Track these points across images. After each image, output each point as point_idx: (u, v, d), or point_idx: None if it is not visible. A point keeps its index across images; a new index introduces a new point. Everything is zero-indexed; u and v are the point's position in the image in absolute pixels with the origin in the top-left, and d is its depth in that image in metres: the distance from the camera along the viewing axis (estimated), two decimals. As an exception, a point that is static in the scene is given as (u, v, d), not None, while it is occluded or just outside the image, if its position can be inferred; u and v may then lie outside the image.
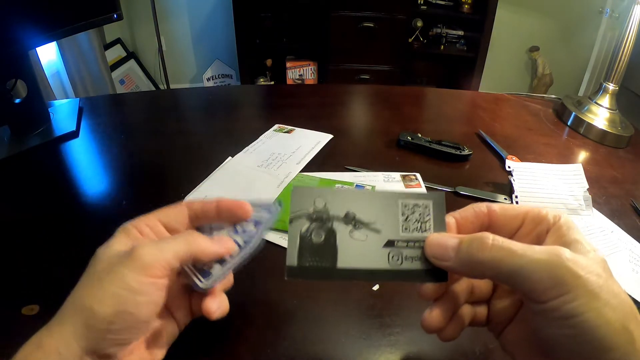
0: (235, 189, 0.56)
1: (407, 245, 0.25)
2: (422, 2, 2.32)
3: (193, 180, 0.56)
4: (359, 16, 2.20)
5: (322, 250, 0.25)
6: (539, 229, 0.25)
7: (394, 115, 0.81)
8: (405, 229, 0.26)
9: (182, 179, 0.57)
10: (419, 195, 0.26)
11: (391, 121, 0.78)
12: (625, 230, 0.51)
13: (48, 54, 1.97)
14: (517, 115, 0.83)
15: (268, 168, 0.60)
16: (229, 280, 0.32)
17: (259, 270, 0.41)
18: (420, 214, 0.26)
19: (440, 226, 0.26)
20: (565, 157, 0.68)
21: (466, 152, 0.64)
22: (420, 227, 0.26)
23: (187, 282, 0.30)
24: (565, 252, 0.21)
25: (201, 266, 0.30)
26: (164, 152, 0.67)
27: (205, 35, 2.67)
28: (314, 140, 0.67)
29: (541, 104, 0.88)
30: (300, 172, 0.59)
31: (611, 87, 0.75)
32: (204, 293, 0.29)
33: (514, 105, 0.88)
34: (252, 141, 0.67)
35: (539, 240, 0.25)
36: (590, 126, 0.75)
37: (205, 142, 0.69)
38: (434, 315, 0.26)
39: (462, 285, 0.28)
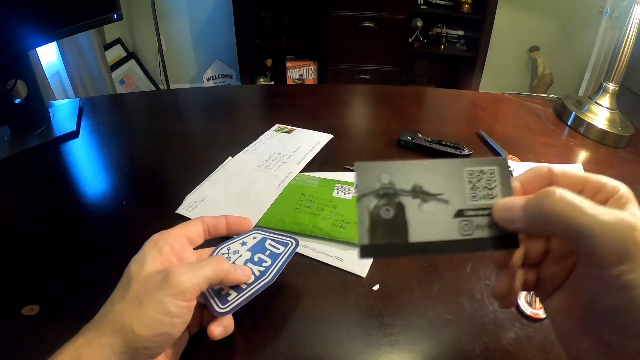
0: (235, 189, 0.56)
1: (476, 214, 0.25)
2: (422, 2, 2.32)
3: (193, 180, 0.56)
4: (359, 16, 2.20)
5: (393, 226, 0.24)
6: (598, 199, 0.24)
7: (394, 115, 0.81)
8: (473, 197, 0.25)
9: (182, 179, 0.57)
10: (483, 162, 0.26)
11: (391, 121, 0.78)
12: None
13: (48, 54, 1.97)
14: (517, 115, 0.83)
15: (268, 168, 0.60)
16: None
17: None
18: (487, 181, 0.26)
19: (507, 191, 0.25)
20: (566, 157, 0.68)
21: (466, 152, 0.64)
22: (488, 194, 0.25)
23: (202, 302, 0.33)
24: (632, 219, 0.21)
25: (219, 289, 0.33)
26: (164, 152, 0.67)
27: (205, 35, 2.67)
28: (314, 140, 0.67)
29: (541, 104, 0.88)
30: (300, 172, 0.59)
31: (611, 86, 0.75)
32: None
33: (514, 105, 0.88)
34: (252, 141, 0.67)
35: None
36: (590, 126, 0.75)
37: (206, 142, 0.69)
38: (503, 283, 0.26)
39: (518, 251, 0.27)
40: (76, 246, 0.47)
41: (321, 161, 0.62)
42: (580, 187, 0.25)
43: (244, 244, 0.37)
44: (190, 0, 2.56)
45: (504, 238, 0.25)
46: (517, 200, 0.24)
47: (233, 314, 0.33)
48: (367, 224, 0.24)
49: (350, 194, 0.53)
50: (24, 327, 0.37)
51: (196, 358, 0.34)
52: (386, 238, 0.24)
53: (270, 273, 0.35)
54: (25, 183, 0.59)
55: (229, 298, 0.33)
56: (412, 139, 0.66)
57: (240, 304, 0.33)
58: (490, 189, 0.25)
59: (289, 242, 0.38)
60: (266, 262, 0.36)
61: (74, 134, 0.69)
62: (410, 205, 0.25)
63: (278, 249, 0.37)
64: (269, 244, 0.37)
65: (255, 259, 0.36)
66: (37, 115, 0.69)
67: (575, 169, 0.26)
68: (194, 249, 0.35)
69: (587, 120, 0.75)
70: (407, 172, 0.25)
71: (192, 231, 0.35)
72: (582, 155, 0.70)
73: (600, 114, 0.75)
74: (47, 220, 0.51)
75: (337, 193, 0.54)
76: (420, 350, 0.36)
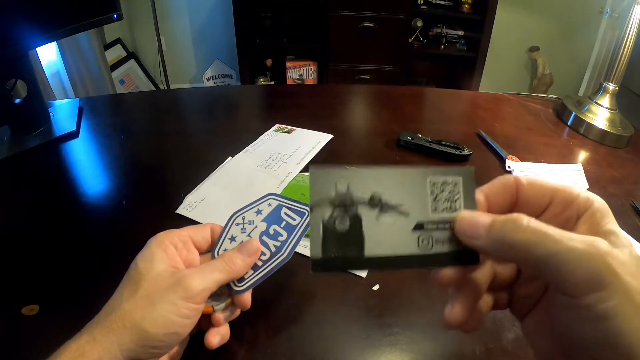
0: (235, 189, 0.56)
1: (437, 228, 0.24)
2: (422, 2, 2.32)
3: (193, 180, 0.56)
4: (359, 16, 2.19)
5: (347, 239, 0.23)
6: (569, 213, 0.23)
7: (394, 115, 0.81)
8: (435, 209, 0.24)
9: (182, 179, 0.57)
10: (447, 171, 0.24)
11: (391, 121, 0.78)
12: (625, 230, 0.51)
13: (48, 54, 1.96)
14: (517, 115, 0.83)
15: (268, 168, 0.60)
16: (238, 312, 0.35)
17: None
18: (450, 192, 0.24)
19: (471, 204, 0.24)
20: (565, 157, 0.68)
21: (466, 152, 0.64)
22: (450, 206, 0.24)
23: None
24: (604, 245, 0.19)
25: None
26: (164, 152, 0.67)
27: (205, 35, 2.67)
28: (314, 140, 0.67)
29: (541, 104, 0.88)
30: (300, 172, 0.59)
31: (611, 87, 0.75)
32: (220, 313, 0.33)
33: (514, 105, 0.88)
34: (252, 141, 0.67)
35: (567, 225, 0.23)
36: (590, 126, 0.75)
37: (206, 142, 0.69)
38: (455, 311, 0.24)
39: (483, 273, 0.25)
40: (76, 246, 0.47)
41: (321, 161, 0.62)
42: (549, 199, 0.24)
43: (259, 212, 0.36)
44: (190, 0, 2.56)
45: (463, 253, 0.23)
46: (482, 218, 0.22)
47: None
48: (320, 236, 0.23)
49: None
50: (24, 327, 0.37)
51: (196, 358, 0.34)
52: (340, 251, 0.23)
53: (286, 249, 0.34)
54: (25, 183, 0.59)
55: (246, 276, 0.33)
56: (412, 139, 0.66)
57: (257, 282, 0.33)
58: (453, 201, 0.24)
59: (305, 212, 0.36)
60: (282, 235, 0.35)
61: (74, 134, 0.69)
62: (368, 216, 0.23)
63: (294, 219, 0.35)
64: (285, 214, 0.36)
65: (271, 231, 0.35)
66: (37, 115, 0.69)
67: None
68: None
69: (587, 120, 0.75)
70: (365, 180, 0.23)
71: (198, 235, 0.34)
72: (582, 155, 0.70)
73: (600, 114, 0.75)
74: (47, 220, 0.51)
75: (337, 193, 0.54)
76: (420, 350, 0.36)
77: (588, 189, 0.54)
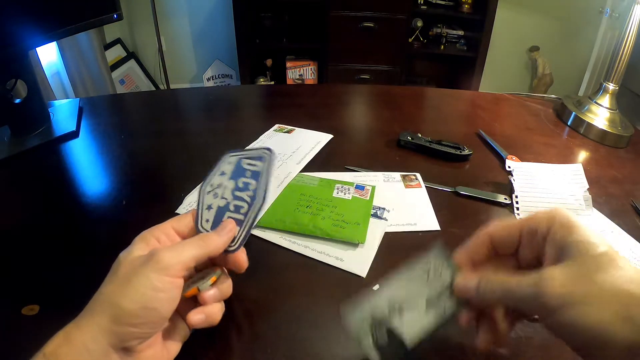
0: (235, 189, 0.56)
1: (440, 298, 0.31)
2: (422, 2, 2.32)
3: (193, 180, 0.56)
4: (359, 16, 2.20)
5: (393, 344, 0.30)
6: (536, 241, 0.28)
7: (394, 115, 0.81)
8: (432, 287, 0.31)
9: (182, 179, 0.57)
10: (430, 258, 0.32)
11: (391, 121, 0.78)
12: (625, 230, 0.51)
13: (48, 54, 1.97)
14: (517, 115, 0.83)
15: (268, 168, 0.60)
16: (228, 290, 0.35)
17: (259, 270, 0.42)
18: (440, 271, 0.32)
19: (453, 269, 0.32)
20: (565, 157, 0.68)
21: (466, 152, 0.64)
22: (442, 280, 0.32)
23: None
24: (546, 279, 0.25)
25: None
26: (164, 152, 0.67)
27: (205, 35, 2.67)
28: (314, 140, 0.67)
29: (541, 104, 0.88)
30: (300, 172, 0.59)
31: (611, 87, 0.75)
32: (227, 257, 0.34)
33: (514, 105, 0.88)
34: (252, 141, 0.67)
35: (539, 251, 0.28)
36: (590, 126, 0.75)
37: (205, 142, 0.69)
38: (484, 338, 0.30)
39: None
40: (76, 246, 0.47)
41: (321, 161, 0.62)
42: (518, 235, 0.30)
43: (222, 173, 0.37)
44: (190, 0, 2.56)
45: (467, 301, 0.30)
46: (470, 282, 0.30)
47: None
48: (377, 355, 0.30)
49: (350, 194, 0.53)
50: (24, 327, 0.37)
51: (195, 358, 0.34)
52: (396, 355, 0.30)
53: (260, 195, 0.35)
54: (25, 183, 0.59)
55: (235, 236, 0.34)
56: (412, 139, 0.66)
57: (247, 236, 0.34)
58: (440, 275, 0.32)
59: (264, 155, 0.37)
60: (251, 183, 0.36)
61: (74, 134, 0.69)
62: (396, 321, 0.31)
63: (256, 165, 0.37)
64: (247, 164, 0.37)
65: (240, 184, 0.36)
66: (37, 115, 0.69)
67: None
68: None
69: (587, 120, 0.75)
70: (379, 301, 0.31)
71: (181, 225, 0.35)
72: (582, 155, 0.70)
73: (600, 114, 0.75)
74: (47, 220, 0.51)
75: (337, 193, 0.54)
76: (420, 350, 0.36)
77: (588, 189, 0.54)
